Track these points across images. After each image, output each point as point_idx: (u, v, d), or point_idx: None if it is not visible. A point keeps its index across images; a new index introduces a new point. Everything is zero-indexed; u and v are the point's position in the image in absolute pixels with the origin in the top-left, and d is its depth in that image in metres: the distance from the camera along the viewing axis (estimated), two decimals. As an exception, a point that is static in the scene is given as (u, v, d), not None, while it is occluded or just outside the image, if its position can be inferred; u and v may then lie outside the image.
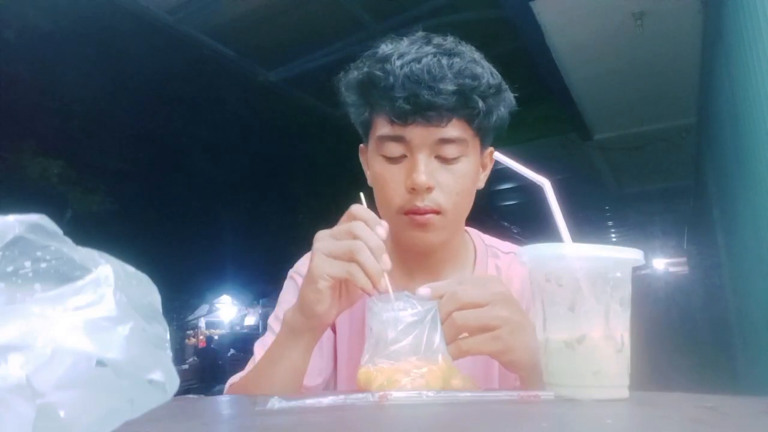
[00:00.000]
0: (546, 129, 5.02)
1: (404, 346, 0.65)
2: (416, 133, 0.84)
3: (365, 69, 0.88)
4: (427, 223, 0.86)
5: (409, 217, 0.86)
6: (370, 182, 0.94)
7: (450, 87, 0.82)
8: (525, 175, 0.68)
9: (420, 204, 0.84)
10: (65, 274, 0.35)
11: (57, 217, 0.36)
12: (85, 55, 3.44)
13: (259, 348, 0.93)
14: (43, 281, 0.34)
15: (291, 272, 1.05)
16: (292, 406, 0.52)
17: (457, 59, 0.84)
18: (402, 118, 0.83)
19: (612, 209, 8.71)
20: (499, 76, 0.90)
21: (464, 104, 0.83)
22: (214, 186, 4.85)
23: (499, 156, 0.74)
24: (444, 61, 0.83)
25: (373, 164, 0.90)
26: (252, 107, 4.28)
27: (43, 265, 0.35)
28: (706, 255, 5.83)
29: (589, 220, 8.64)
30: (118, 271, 0.37)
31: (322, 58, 3.84)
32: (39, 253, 0.35)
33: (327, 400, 0.53)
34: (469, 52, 0.88)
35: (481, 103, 0.84)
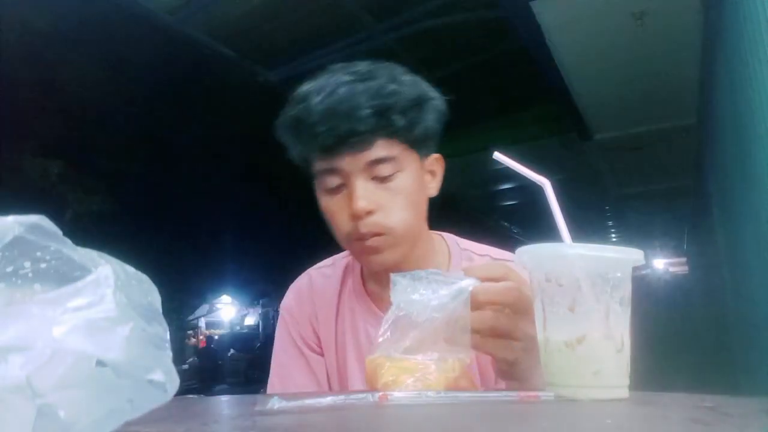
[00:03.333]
0: (546, 129, 5.01)
1: (425, 337, 0.63)
2: (347, 161, 0.86)
3: (290, 112, 0.90)
4: (375, 246, 0.88)
5: (359, 244, 0.88)
6: None
7: (366, 112, 0.84)
8: (525, 175, 0.68)
9: (364, 230, 0.86)
10: (65, 275, 0.35)
11: (57, 217, 0.36)
12: (85, 55, 3.45)
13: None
14: (43, 282, 0.34)
15: (282, 311, 1.07)
16: (292, 406, 0.52)
17: (371, 82, 0.86)
18: (329, 150, 0.85)
19: (612, 209, 8.71)
20: (423, 86, 0.91)
21: (385, 124, 0.85)
22: (214, 186, 4.84)
23: (499, 156, 0.74)
24: (359, 86, 0.85)
25: (320, 199, 0.93)
26: (252, 107, 4.28)
27: (43, 265, 0.35)
28: (706, 255, 5.83)
29: (589, 220, 8.64)
30: (118, 271, 0.37)
31: (322, 58, 3.84)
32: (39, 254, 0.35)
33: (327, 400, 0.53)
34: (388, 70, 0.89)
35: (401, 120, 0.86)
